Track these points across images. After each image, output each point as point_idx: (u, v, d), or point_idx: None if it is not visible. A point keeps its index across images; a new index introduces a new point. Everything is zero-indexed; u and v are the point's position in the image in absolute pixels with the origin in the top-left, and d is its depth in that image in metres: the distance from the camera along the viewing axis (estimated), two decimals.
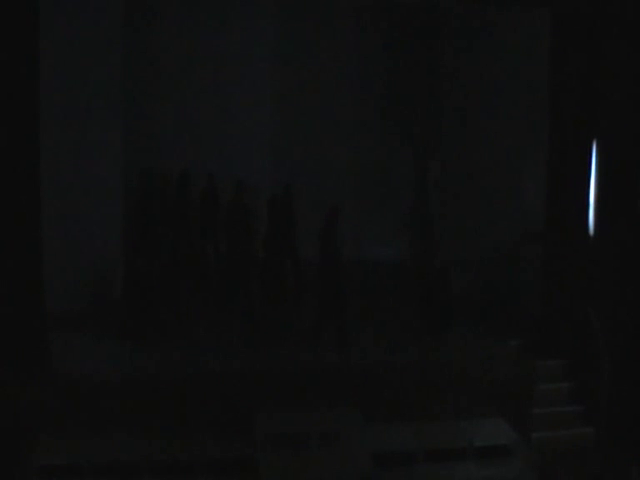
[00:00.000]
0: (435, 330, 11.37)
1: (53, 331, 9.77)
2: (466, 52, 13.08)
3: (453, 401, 9.78)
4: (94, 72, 11.58)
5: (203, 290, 12.91)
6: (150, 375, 9.55)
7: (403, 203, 14.39)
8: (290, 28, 14.29)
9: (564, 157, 11.25)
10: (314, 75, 14.35)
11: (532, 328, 11.30)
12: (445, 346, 10.99)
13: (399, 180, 14.80)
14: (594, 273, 10.81)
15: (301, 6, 14.03)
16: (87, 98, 11.49)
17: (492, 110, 12.89)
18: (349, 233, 12.11)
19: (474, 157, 13.06)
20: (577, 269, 10.95)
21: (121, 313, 11.04)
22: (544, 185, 11.62)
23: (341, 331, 10.47)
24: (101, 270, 11.65)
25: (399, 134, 14.75)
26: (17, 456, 8.66)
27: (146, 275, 11.09)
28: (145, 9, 13.51)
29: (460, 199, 13.11)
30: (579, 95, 11.00)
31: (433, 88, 14.40)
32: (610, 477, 9.47)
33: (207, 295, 12.72)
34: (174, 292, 12.24)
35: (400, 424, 9.44)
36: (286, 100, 14.31)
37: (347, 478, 8.70)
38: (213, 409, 9.27)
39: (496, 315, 11.77)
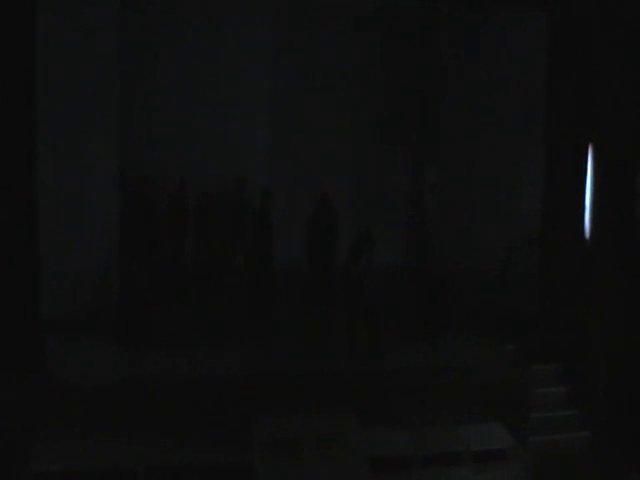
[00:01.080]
0: (432, 334, 11.35)
1: (48, 335, 9.74)
2: (463, 56, 13.11)
3: (450, 405, 9.78)
4: (91, 75, 11.56)
5: (199, 294, 12.89)
6: (146, 379, 9.52)
7: (401, 207, 14.43)
8: (289, 31, 14.31)
9: (560, 161, 11.28)
10: (312, 79, 14.37)
11: (529, 332, 11.31)
12: (442, 350, 10.98)
13: (397, 184, 14.83)
14: (590, 277, 10.83)
15: (300, 11, 14.04)
16: (84, 101, 11.47)
17: (489, 114, 12.91)
18: (347, 235, 12.09)
19: (471, 161, 13.08)
20: (574, 273, 10.97)
21: (117, 317, 11.00)
22: (541, 189, 11.65)
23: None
24: (97, 274, 11.62)
25: (397, 138, 14.77)
26: (13, 462, 8.63)
27: (141, 279, 11.06)
28: (142, 12, 13.51)
29: (457, 204, 13.12)
30: (575, 99, 11.04)
31: (430, 92, 14.42)
32: None
33: (203, 298, 12.70)
34: (170, 296, 12.23)
35: (397, 428, 9.43)
36: (284, 104, 14.31)
37: None
38: (210, 414, 9.25)
39: (493, 319, 11.78)
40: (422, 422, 9.53)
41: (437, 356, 10.76)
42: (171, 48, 13.83)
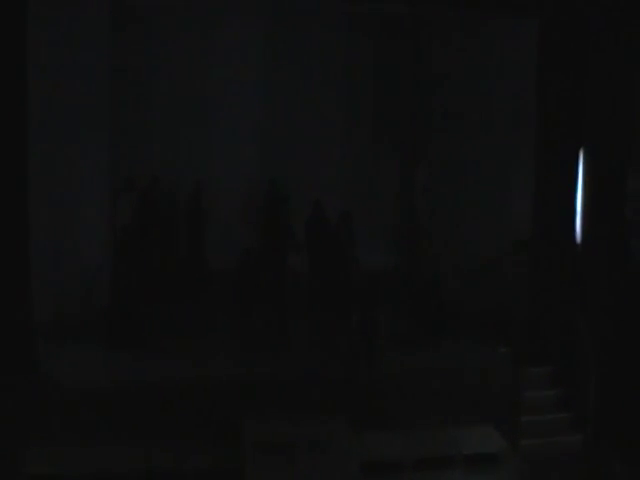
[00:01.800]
0: (426, 338, 11.36)
1: (41, 339, 9.74)
2: (454, 61, 13.14)
3: (442, 409, 9.80)
4: (82, 79, 11.57)
5: (193, 298, 12.87)
6: (138, 384, 9.52)
7: (392, 211, 14.43)
8: (279, 34, 14.30)
9: (551, 165, 11.32)
10: (303, 83, 14.36)
11: (520, 336, 11.33)
12: (434, 354, 11.00)
13: (388, 188, 14.83)
14: (581, 281, 10.87)
15: (291, 12, 14.05)
16: (75, 106, 11.46)
17: (480, 118, 12.94)
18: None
19: (462, 165, 13.11)
20: (565, 277, 11.00)
21: (109, 321, 10.99)
22: (531, 193, 11.68)
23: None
24: (89, 278, 11.62)
25: (388, 141, 14.78)
26: (6, 466, 8.62)
27: (134, 283, 11.06)
28: (133, 15, 13.48)
29: (448, 208, 13.14)
30: (566, 103, 11.09)
31: (422, 96, 14.44)
32: None
33: (196, 303, 12.67)
34: (162, 300, 12.21)
35: (389, 432, 9.45)
36: (274, 108, 14.30)
37: None
38: (201, 417, 9.25)
39: (485, 323, 11.80)
40: (414, 425, 9.55)
41: (429, 359, 10.78)
42: (162, 51, 13.79)
